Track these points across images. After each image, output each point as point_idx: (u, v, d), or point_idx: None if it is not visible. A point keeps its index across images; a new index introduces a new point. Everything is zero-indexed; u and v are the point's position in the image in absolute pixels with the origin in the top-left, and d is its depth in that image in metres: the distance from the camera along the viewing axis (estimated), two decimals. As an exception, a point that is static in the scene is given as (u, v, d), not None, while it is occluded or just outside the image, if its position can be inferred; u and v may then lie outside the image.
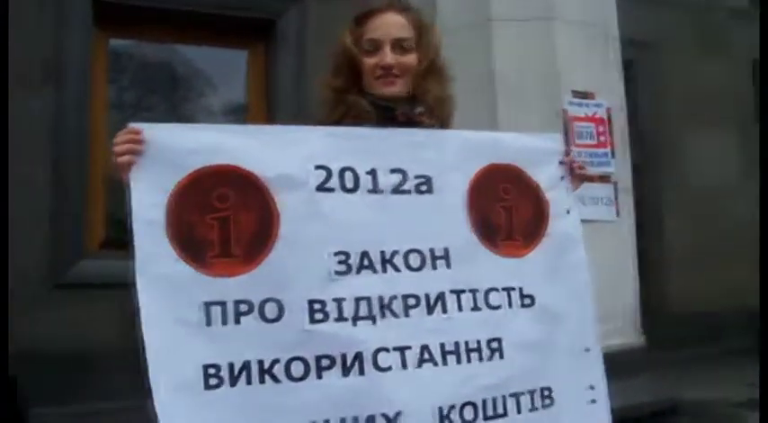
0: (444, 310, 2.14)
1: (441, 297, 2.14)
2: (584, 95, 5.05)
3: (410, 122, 2.31)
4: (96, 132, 5.17)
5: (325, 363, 1.97)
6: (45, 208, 5.04)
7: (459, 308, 2.16)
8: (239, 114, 5.94)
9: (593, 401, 2.32)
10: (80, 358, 4.78)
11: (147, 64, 5.82)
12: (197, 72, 5.92)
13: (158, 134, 2.00)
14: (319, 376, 1.97)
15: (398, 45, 2.33)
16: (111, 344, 4.41)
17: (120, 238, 5.03)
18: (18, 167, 4.85)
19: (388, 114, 2.31)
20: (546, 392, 2.23)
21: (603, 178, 5.03)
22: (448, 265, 2.18)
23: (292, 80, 5.62)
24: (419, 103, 2.34)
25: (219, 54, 5.92)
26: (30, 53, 5.05)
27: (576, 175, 2.44)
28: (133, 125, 2.01)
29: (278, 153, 2.08)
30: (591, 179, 4.73)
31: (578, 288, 2.37)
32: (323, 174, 2.10)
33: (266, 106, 5.80)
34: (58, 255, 5.07)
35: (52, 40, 5.17)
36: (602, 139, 5.09)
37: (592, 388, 2.32)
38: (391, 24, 2.35)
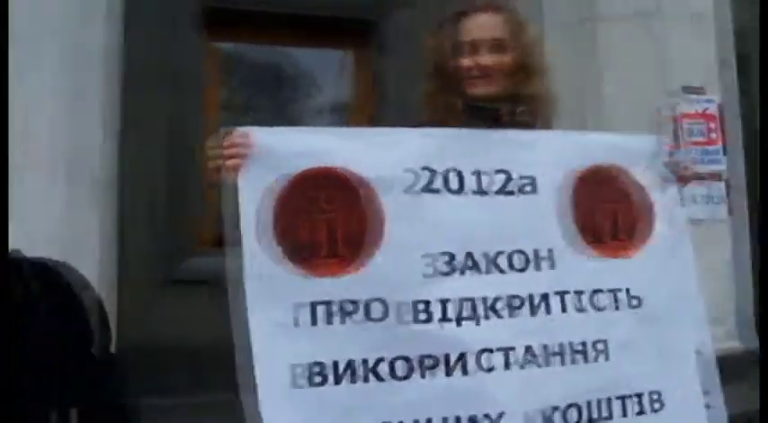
0: (548, 311, 2.12)
1: (545, 298, 2.13)
2: (695, 91, 4.91)
3: (512, 122, 2.30)
4: (208, 133, 5.28)
5: (428, 362, 1.99)
6: (160, 206, 5.20)
7: (564, 309, 2.14)
8: (345, 115, 6.00)
9: (709, 407, 2.26)
10: (191, 352, 4.91)
11: (256, 66, 5.94)
12: (303, 73, 6.00)
13: (264, 137, 2.05)
14: (423, 376, 1.98)
15: (493, 45, 2.31)
16: (221, 339, 4.53)
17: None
18: (136, 167, 5.03)
19: (489, 115, 2.30)
20: (655, 396, 2.19)
21: (714, 176, 4.88)
22: (552, 266, 2.16)
23: (397, 81, 5.63)
24: (519, 102, 2.33)
25: (325, 55, 5.99)
26: (146, 57, 5.22)
27: (682, 176, 2.39)
28: (240, 129, 2.06)
29: (383, 155, 2.11)
30: (701, 178, 4.60)
31: (687, 289, 2.31)
32: (428, 175, 2.11)
33: (371, 107, 5.84)
34: (171, 251, 5.23)
35: (166, 45, 5.33)
36: (713, 135, 4.93)
37: (706, 393, 2.27)
38: (485, 24, 2.34)
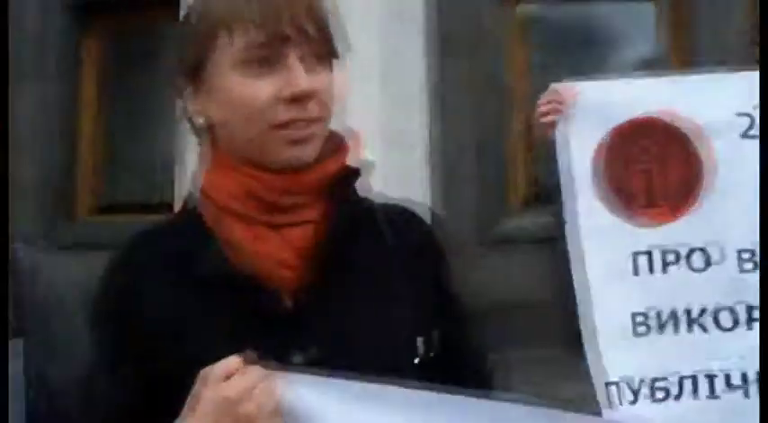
0: None
1: None
2: None
3: None
4: (515, 94, 5.41)
5: (755, 314, 1.93)
6: (470, 170, 5.38)
7: None
8: (652, 66, 5.82)
9: None
10: (505, 311, 5.05)
11: (558, 24, 5.92)
12: (606, 27, 5.89)
13: (580, 92, 2.09)
14: (750, 327, 1.93)
15: None
16: (535, 298, 4.62)
17: (540, 195, 5.25)
18: (448, 128, 5.24)
19: None
20: None
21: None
22: None
23: (705, 26, 5.38)
24: None
25: (626, 7, 5.85)
26: (451, 22, 5.40)
27: None
28: (555, 85, 2.11)
29: (700, 102, 2.07)
30: None
31: None
32: (747, 121, 2.04)
33: (680, 56, 5.62)
34: (483, 213, 5.39)
35: (463, 13, 5.47)
36: None
37: None
38: None
